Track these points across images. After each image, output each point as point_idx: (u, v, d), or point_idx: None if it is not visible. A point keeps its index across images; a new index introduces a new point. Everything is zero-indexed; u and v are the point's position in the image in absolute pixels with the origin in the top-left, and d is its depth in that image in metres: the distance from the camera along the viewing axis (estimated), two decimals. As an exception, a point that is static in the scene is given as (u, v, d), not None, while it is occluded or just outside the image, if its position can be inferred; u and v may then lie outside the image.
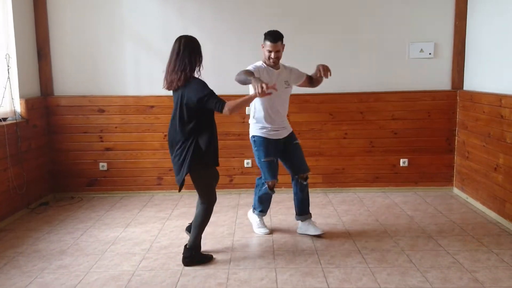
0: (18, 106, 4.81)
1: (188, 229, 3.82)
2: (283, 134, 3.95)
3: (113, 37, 5.26)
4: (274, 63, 3.82)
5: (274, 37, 3.75)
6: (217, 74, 4.88)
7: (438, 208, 4.76)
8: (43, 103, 5.24)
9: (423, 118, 5.29)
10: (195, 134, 3.36)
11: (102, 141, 5.35)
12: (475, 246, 3.77)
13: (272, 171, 3.88)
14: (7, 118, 4.68)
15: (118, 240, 4.04)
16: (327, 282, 3.19)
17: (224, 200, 5.12)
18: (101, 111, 5.31)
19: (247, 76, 3.50)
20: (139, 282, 3.24)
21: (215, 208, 4.82)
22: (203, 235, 3.62)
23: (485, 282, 3.17)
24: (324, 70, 3.79)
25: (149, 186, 5.42)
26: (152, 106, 5.28)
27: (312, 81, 4.12)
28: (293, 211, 4.69)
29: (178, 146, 3.38)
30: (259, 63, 3.86)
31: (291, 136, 4.01)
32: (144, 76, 5.29)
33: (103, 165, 5.37)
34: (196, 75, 3.37)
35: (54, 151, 5.34)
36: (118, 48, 5.27)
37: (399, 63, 5.27)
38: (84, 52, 5.27)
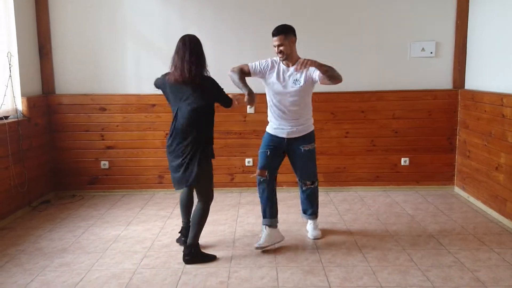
0: (20, 104, 4.82)
1: (179, 240, 3.84)
2: (291, 134, 3.79)
3: (115, 36, 5.26)
4: (281, 58, 3.71)
5: (277, 30, 3.66)
6: (217, 73, 4.85)
7: (439, 207, 4.76)
8: (45, 102, 5.24)
9: (425, 117, 5.29)
10: (207, 127, 3.52)
11: (103, 140, 5.35)
12: (476, 245, 3.77)
13: (262, 160, 3.82)
14: (8, 116, 4.68)
15: (120, 238, 4.05)
16: (328, 281, 3.20)
17: (225, 199, 5.13)
18: (103, 109, 5.31)
19: (239, 82, 3.72)
20: (140, 280, 3.25)
21: (216, 206, 4.87)
22: (203, 234, 3.63)
23: (486, 281, 3.17)
24: (299, 64, 3.46)
25: (150, 185, 5.42)
26: (153, 105, 5.28)
27: (326, 76, 3.67)
28: (294, 210, 4.71)
29: (189, 140, 3.40)
30: (276, 57, 3.79)
31: (303, 141, 3.80)
32: (146, 75, 5.29)
33: (104, 164, 5.38)
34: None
35: (55, 149, 5.35)
36: (120, 46, 5.28)
37: (401, 62, 5.27)
38: (86, 50, 5.28)
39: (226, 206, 4.90)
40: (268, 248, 3.72)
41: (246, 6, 5.21)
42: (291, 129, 3.79)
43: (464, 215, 4.52)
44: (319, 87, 5.21)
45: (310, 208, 4.01)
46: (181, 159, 3.43)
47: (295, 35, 3.71)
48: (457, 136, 5.29)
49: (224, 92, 3.54)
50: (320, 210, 4.72)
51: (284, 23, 3.73)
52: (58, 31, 5.25)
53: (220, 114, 5.23)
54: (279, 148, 3.84)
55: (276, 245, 3.78)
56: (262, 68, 3.80)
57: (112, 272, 3.38)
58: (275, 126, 3.84)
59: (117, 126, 5.34)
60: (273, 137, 3.85)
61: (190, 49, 3.36)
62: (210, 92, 3.46)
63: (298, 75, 3.73)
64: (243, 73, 3.81)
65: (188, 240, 3.53)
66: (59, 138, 5.34)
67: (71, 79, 5.32)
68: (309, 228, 4.06)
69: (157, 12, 5.23)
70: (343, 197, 5.18)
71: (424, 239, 3.93)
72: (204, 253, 3.59)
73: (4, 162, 4.45)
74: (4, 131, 4.45)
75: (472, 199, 4.92)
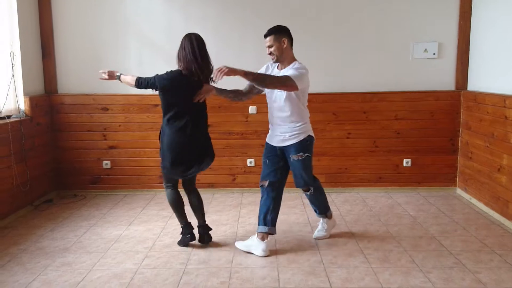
0: (22, 104, 4.83)
1: (181, 243, 3.86)
2: (280, 143, 3.66)
3: (117, 36, 5.27)
4: (273, 60, 3.62)
5: (268, 31, 3.56)
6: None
7: (441, 209, 4.76)
8: (47, 101, 5.25)
9: (427, 119, 5.28)
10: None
11: (105, 139, 5.36)
12: (478, 247, 3.77)
13: (263, 171, 3.76)
14: (11, 115, 4.69)
15: (121, 238, 4.05)
16: (329, 282, 3.20)
17: (227, 199, 5.13)
18: (105, 109, 5.32)
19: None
20: (141, 280, 3.25)
21: (217, 206, 4.88)
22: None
23: (488, 283, 3.16)
24: (215, 72, 3.37)
25: (152, 185, 5.42)
26: (156, 105, 5.28)
27: (256, 84, 3.52)
28: (295, 211, 4.71)
29: (203, 132, 3.75)
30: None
31: (293, 150, 3.62)
32: (148, 75, 5.26)
33: (106, 163, 5.39)
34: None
35: (57, 149, 5.36)
36: (122, 46, 5.29)
37: (403, 63, 5.26)
38: (88, 50, 5.29)
39: (227, 207, 4.90)
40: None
41: (248, 5, 5.21)
42: (279, 136, 3.66)
43: (466, 217, 4.51)
44: (321, 88, 5.25)
45: (317, 208, 3.96)
46: (197, 152, 3.66)
47: (288, 36, 3.58)
48: (460, 138, 5.29)
49: None
50: (321, 210, 4.74)
51: (278, 24, 3.63)
52: (61, 31, 5.26)
53: (222, 115, 5.27)
54: (276, 156, 3.71)
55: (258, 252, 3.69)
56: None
57: (113, 272, 3.38)
58: (269, 133, 3.78)
59: (119, 126, 5.35)
60: (268, 145, 3.77)
61: (204, 48, 3.60)
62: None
63: None
64: (249, 92, 3.80)
65: (203, 221, 3.87)
66: (61, 138, 5.35)
67: (74, 79, 5.33)
68: (318, 227, 4.03)
69: (160, 11, 5.24)
70: (345, 198, 5.18)
71: (426, 240, 3.92)
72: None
73: (6, 161, 4.46)
74: (6, 130, 4.45)
75: (474, 201, 4.91)
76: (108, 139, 5.36)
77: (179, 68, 3.58)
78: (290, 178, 5.41)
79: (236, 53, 5.20)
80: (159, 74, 3.61)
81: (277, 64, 3.68)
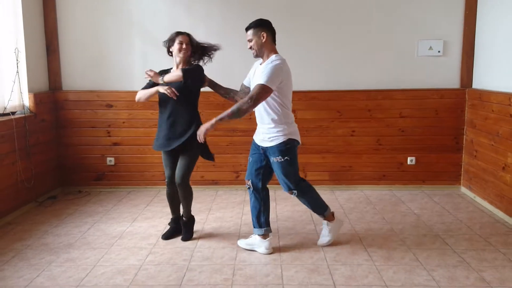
0: (27, 100, 4.84)
1: (163, 236, 3.97)
2: (261, 142, 3.57)
3: (121, 33, 5.27)
4: (253, 54, 3.52)
5: (248, 25, 3.48)
6: (222, 70, 4.88)
7: (445, 207, 4.74)
8: (52, 98, 5.27)
9: (431, 116, 5.27)
10: None
11: (109, 136, 5.37)
12: (482, 246, 3.76)
13: (248, 169, 3.73)
14: (15, 112, 4.71)
15: (125, 234, 4.06)
16: (333, 279, 3.19)
17: (230, 196, 5.14)
18: (109, 106, 5.33)
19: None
20: (145, 276, 3.26)
21: (221, 203, 4.88)
22: (208, 231, 3.64)
23: (492, 281, 3.15)
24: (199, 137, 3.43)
25: (156, 181, 5.43)
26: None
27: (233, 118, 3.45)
28: (299, 208, 4.71)
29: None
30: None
31: (271, 152, 3.49)
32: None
33: (110, 160, 5.40)
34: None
35: (62, 145, 5.38)
36: (126, 43, 5.29)
37: (408, 60, 5.24)
38: (93, 47, 5.29)
39: (231, 204, 4.90)
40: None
41: (252, 4, 5.19)
42: (260, 135, 3.57)
43: (470, 215, 4.50)
44: (325, 86, 5.24)
45: (311, 209, 3.79)
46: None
47: (268, 30, 3.45)
48: (464, 136, 5.27)
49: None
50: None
51: (260, 18, 3.51)
52: (65, 28, 5.27)
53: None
54: (260, 154, 3.63)
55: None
56: (250, 77, 3.67)
57: (117, 268, 3.39)
58: (256, 130, 3.70)
59: (123, 122, 5.35)
60: (253, 142, 3.71)
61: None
62: None
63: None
64: (242, 92, 3.74)
65: (185, 216, 3.96)
66: (65, 134, 5.37)
67: (78, 75, 5.34)
68: (321, 232, 3.86)
69: (164, 9, 5.24)
70: (349, 195, 5.17)
71: (429, 238, 3.91)
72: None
73: (11, 158, 4.47)
74: (11, 126, 4.47)
75: (478, 199, 4.90)
76: (112, 135, 5.37)
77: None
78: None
79: (239, 51, 5.18)
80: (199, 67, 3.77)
81: (260, 60, 3.56)
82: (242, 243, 3.76)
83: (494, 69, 4.76)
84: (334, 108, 5.29)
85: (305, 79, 5.23)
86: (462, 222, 4.31)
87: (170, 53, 3.84)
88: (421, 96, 5.24)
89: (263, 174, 3.64)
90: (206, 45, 3.83)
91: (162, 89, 3.61)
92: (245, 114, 3.36)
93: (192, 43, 3.76)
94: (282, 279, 3.21)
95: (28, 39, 4.83)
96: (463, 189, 5.28)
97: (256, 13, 5.17)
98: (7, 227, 4.25)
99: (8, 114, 4.54)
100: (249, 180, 3.68)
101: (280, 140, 3.45)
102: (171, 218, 4.05)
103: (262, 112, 3.51)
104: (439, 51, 5.20)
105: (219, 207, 4.79)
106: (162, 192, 5.33)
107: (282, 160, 3.47)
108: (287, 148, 3.46)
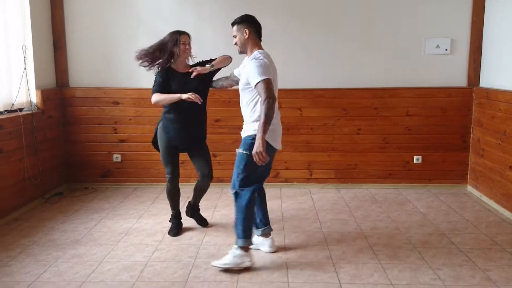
0: (34, 97, 4.87)
1: (170, 232, 4.03)
2: (242, 133, 3.45)
3: (128, 30, 5.28)
4: (237, 50, 3.47)
5: (233, 21, 3.45)
6: (227, 69, 4.88)
7: (452, 206, 4.73)
8: (59, 94, 5.29)
9: (438, 115, 5.24)
10: None
11: (116, 133, 5.39)
12: (488, 245, 3.74)
13: None
14: (23, 108, 4.73)
15: (131, 231, 4.08)
16: (338, 278, 3.20)
17: (236, 194, 5.14)
18: (116, 103, 5.35)
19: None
20: (151, 273, 3.27)
21: (226, 201, 4.88)
22: (213, 229, 3.65)
23: (497, 281, 3.14)
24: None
25: (162, 178, 5.44)
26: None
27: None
28: (304, 206, 4.70)
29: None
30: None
31: (242, 142, 3.39)
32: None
33: (117, 157, 5.42)
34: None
35: (69, 142, 5.40)
36: (133, 40, 5.29)
37: (415, 58, 5.22)
38: (100, 44, 5.31)
39: (237, 201, 4.91)
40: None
41: (258, 3, 5.18)
42: (242, 130, 3.45)
43: (476, 214, 4.48)
44: (331, 84, 5.23)
45: (234, 226, 3.39)
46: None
47: (252, 26, 3.39)
48: (471, 135, 5.24)
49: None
50: (330, 206, 4.72)
51: (246, 13, 3.49)
52: (73, 25, 5.29)
53: (230, 109, 5.26)
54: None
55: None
56: (240, 68, 3.64)
57: (123, 264, 3.41)
58: None
59: (130, 119, 5.37)
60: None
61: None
62: None
63: (242, 70, 3.51)
64: (229, 79, 3.89)
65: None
66: (72, 131, 5.39)
67: (85, 72, 5.36)
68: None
69: (171, 6, 5.24)
70: (354, 194, 5.17)
71: (435, 237, 3.90)
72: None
73: (18, 154, 4.50)
74: (18, 123, 4.50)
75: (485, 198, 4.88)
76: (118, 132, 5.39)
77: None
78: (299, 173, 5.42)
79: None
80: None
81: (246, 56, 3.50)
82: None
83: (502, 68, 4.73)
84: (340, 106, 5.28)
85: (311, 76, 5.22)
86: (468, 221, 4.30)
87: (171, 54, 3.83)
88: (428, 95, 5.22)
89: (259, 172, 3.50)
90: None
91: (185, 96, 3.62)
92: (273, 112, 3.14)
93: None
94: (288, 277, 3.21)
95: (35, 36, 4.86)
96: (470, 188, 5.26)
97: (261, 13, 5.17)
98: (14, 223, 4.28)
99: (15, 111, 4.56)
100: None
101: (248, 133, 3.32)
102: (172, 214, 4.09)
103: (244, 104, 3.40)
104: (446, 49, 5.17)
105: (225, 205, 4.80)
106: (168, 189, 5.34)
107: (241, 152, 3.32)
108: (252, 143, 3.21)
